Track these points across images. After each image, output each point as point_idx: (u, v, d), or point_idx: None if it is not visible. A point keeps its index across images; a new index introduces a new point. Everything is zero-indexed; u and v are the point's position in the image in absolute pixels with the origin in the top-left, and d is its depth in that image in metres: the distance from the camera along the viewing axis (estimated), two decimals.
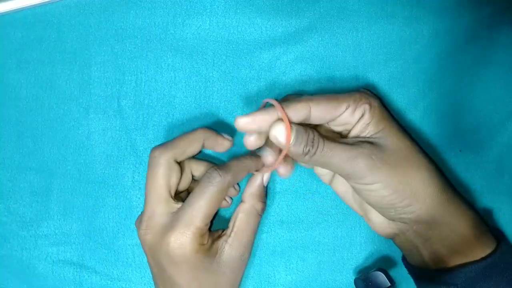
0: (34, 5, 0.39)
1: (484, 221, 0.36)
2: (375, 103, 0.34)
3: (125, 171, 0.40)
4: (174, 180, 0.36)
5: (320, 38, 0.38)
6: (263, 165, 0.37)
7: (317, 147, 0.33)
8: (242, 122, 0.33)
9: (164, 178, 0.36)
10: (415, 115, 0.38)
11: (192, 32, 0.39)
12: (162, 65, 0.39)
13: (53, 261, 0.40)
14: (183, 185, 0.38)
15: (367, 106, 0.34)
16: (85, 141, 0.40)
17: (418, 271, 0.37)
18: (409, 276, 0.37)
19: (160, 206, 0.36)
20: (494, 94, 0.37)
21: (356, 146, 0.34)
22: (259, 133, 0.35)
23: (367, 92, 0.35)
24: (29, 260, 0.40)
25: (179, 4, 0.39)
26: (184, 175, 0.38)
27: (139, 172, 0.40)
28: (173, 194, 0.36)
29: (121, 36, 0.39)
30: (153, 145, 0.39)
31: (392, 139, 0.35)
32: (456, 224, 0.35)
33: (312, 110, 0.33)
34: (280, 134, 0.33)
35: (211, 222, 0.37)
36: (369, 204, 0.35)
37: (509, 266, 0.34)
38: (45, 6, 0.39)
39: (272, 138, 0.33)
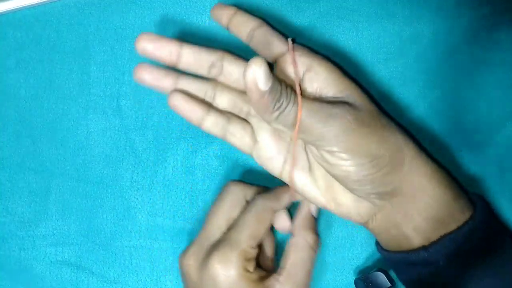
0: (33, 4, 0.39)
1: (460, 184, 0.35)
2: (317, 60, 0.33)
3: (124, 172, 0.40)
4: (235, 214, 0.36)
5: (320, 38, 0.38)
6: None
7: (290, 101, 0.30)
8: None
9: (228, 207, 0.35)
10: (415, 115, 0.38)
11: (192, 32, 0.39)
12: (162, 65, 0.39)
13: (51, 262, 0.40)
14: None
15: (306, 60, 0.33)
16: (84, 141, 0.40)
17: (398, 255, 0.34)
18: None
19: (216, 234, 0.35)
20: (494, 94, 0.37)
21: (330, 105, 0.31)
22: None
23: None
24: (27, 260, 0.40)
25: (179, 4, 0.39)
26: None
27: (137, 173, 0.40)
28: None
29: (121, 36, 0.39)
30: (152, 146, 0.39)
31: (362, 100, 0.33)
32: (435, 190, 0.33)
33: None
34: (259, 76, 0.28)
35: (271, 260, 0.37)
36: (342, 180, 0.32)
37: (488, 230, 0.33)
38: (44, 5, 0.39)
39: (248, 79, 0.29)
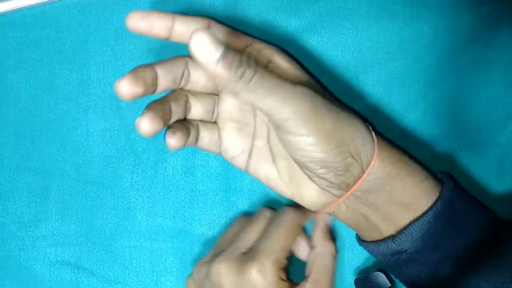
0: (33, 5, 0.39)
1: (425, 166, 0.35)
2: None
3: (124, 172, 0.40)
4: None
5: (320, 38, 0.38)
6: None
7: (255, 71, 0.28)
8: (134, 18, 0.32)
9: (259, 228, 0.37)
10: (415, 115, 0.38)
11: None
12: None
13: (51, 262, 0.40)
14: None
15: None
16: (84, 142, 0.40)
17: (371, 246, 0.35)
18: None
19: (246, 244, 0.36)
20: (495, 94, 0.37)
21: (297, 85, 0.30)
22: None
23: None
24: (27, 261, 0.40)
25: (178, 4, 0.39)
26: None
27: (137, 173, 0.40)
28: None
29: (121, 36, 0.39)
30: (152, 146, 0.39)
31: (319, 89, 0.34)
32: (398, 176, 0.33)
33: None
34: (204, 45, 0.26)
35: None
36: (306, 167, 0.32)
37: (456, 212, 0.33)
38: (44, 6, 0.39)
39: (193, 49, 0.27)
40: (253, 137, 0.36)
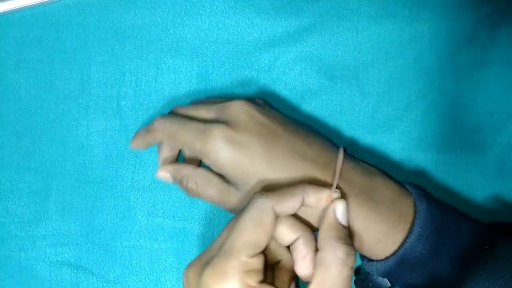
0: (33, 4, 0.39)
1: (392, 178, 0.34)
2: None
3: (124, 172, 0.40)
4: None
5: (320, 38, 0.38)
6: (329, 198, 0.31)
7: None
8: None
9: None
10: (415, 115, 0.38)
11: (191, 32, 0.39)
12: (162, 65, 0.39)
13: (51, 262, 0.40)
14: None
15: None
16: (84, 141, 0.40)
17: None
18: None
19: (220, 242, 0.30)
20: (495, 94, 0.37)
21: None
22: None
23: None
24: (27, 261, 0.40)
25: (178, 4, 0.39)
26: None
27: (138, 173, 0.40)
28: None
29: (121, 36, 0.39)
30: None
31: None
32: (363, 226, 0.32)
33: None
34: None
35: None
36: None
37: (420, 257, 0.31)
38: (44, 6, 0.39)
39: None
40: None
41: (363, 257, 0.35)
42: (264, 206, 0.29)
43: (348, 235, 0.30)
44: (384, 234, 0.32)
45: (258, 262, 0.29)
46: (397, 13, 0.37)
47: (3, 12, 0.39)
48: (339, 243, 0.29)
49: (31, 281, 0.40)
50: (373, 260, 0.34)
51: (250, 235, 0.28)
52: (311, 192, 0.31)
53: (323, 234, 0.30)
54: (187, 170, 0.36)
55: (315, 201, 0.31)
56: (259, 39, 0.38)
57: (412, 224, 0.32)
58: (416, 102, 0.38)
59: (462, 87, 0.37)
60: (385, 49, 0.38)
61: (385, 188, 0.33)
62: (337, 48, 0.38)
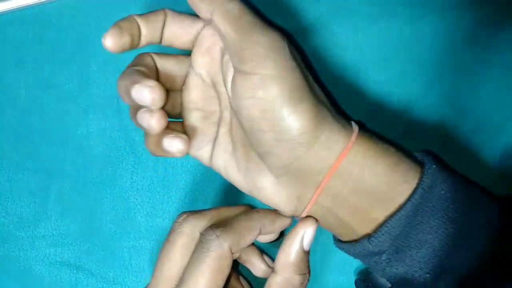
0: (33, 4, 0.39)
1: (399, 146, 0.32)
2: None
3: (124, 172, 0.40)
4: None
5: (320, 38, 0.38)
6: (288, 222, 0.31)
7: None
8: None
9: (181, 253, 0.29)
10: (415, 115, 0.38)
11: None
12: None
13: (50, 263, 0.40)
14: None
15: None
16: (84, 142, 0.40)
17: (345, 247, 0.31)
18: None
19: None
20: (495, 94, 0.37)
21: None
22: None
23: None
24: (26, 261, 0.40)
25: (178, 4, 0.39)
26: None
27: (137, 173, 0.40)
28: None
29: None
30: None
31: None
32: (367, 157, 0.29)
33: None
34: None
35: None
36: (259, 138, 0.29)
37: (438, 201, 0.28)
38: (44, 5, 0.39)
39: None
40: (218, 125, 0.34)
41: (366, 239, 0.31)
42: (222, 252, 0.28)
43: (307, 261, 0.30)
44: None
45: None
46: (397, 13, 0.37)
47: (3, 12, 0.39)
48: (295, 269, 0.29)
49: (30, 281, 0.40)
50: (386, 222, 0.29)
51: (207, 284, 0.27)
52: (268, 224, 0.30)
53: (281, 257, 0.30)
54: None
55: (271, 231, 0.31)
56: None
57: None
58: (416, 102, 0.38)
59: (462, 87, 0.37)
60: (385, 49, 0.38)
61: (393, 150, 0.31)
62: (337, 48, 0.38)
